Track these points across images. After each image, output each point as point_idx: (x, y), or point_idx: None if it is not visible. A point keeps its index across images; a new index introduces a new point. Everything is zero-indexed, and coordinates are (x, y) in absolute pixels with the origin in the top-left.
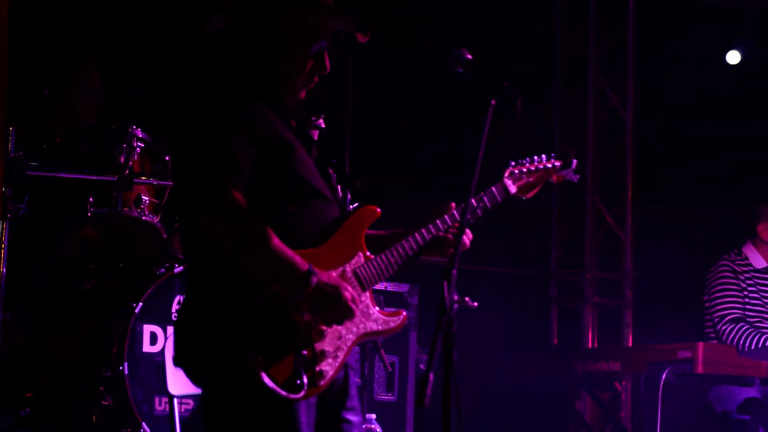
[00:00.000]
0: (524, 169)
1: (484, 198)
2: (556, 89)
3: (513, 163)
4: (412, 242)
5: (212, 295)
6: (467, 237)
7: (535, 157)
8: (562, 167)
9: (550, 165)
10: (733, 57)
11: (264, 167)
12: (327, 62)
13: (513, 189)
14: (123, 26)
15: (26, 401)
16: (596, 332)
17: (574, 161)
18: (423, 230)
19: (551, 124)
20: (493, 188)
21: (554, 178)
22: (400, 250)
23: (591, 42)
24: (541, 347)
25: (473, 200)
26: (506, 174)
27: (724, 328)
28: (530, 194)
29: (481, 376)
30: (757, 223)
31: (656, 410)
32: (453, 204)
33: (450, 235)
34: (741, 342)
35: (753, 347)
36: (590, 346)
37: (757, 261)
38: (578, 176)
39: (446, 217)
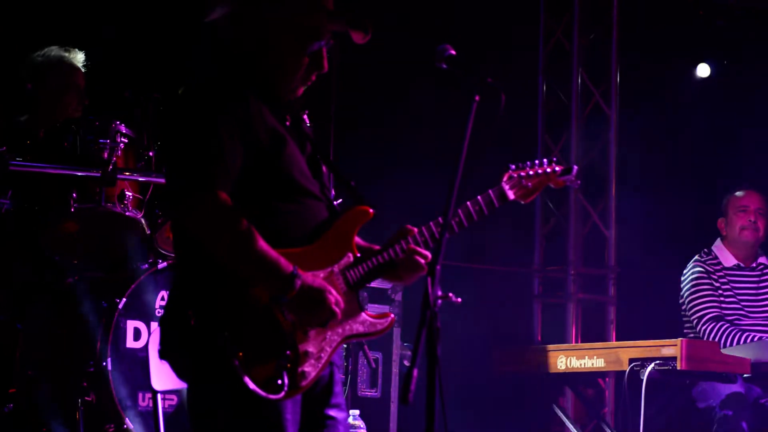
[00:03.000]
0: (523, 174)
1: (481, 201)
2: (540, 85)
3: (512, 167)
4: (391, 253)
5: (199, 293)
6: (424, 258)
7: (536, 162)
8: (562, 173)
9: (550, 170)
10: (703, 70)
11: (255, 165)
12: (325, 61)
13: (511, 195)
14: (107, 19)
15: (9, 397)
16: (580, 328)
17: (575, 167)
18: (396, 246)
19: (535, 119)
20: (491, 192)
21: (554, 183)
22: (385, 255)
23: (575, 37)
24: (525, 343)
25: (469, 203)
26: (505, 178)
27: (704, 327)
28: (528, 199)
29: (465, 372)
30: (719, 219)
31: (639, 406)
32: (412, 228)
33: (406, 259)
34: (723, 340)
35: (735, 345)
36: (573, 342)
37: (727, 259)
38: (579, 182)
39: (409, 239)
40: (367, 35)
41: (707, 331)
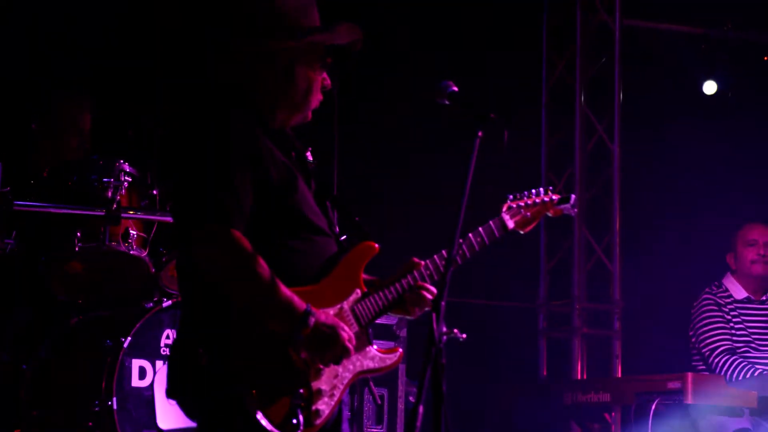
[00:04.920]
0: (522, 203)
1: (482, 233)
2: (543, 120)
3: (511, 197)
4: (398, 288)
5: (209, 330)
6: (431, 294)
7: (533, 191)
8: (559, 201)
9: (547, 199)
10: (710, 87)
11: (265, 202)
12: (328, 79)
13: (511, 224)
14: (112, 59)
15: None
16: (585, 363)
17: (573, 196)
18: (403, 281)
19: (538, 155)
20: (491, 223)
21: (552, 212)
22: (393, 291)
23: (577, 73)
24: (531, 378)
25: (471, 234)
26: (504, 209)
27: (717, 360)
28: (527, 228)
29: (471, 408)
30: (728, 254)
31: None
32: (419, 261)
33: (413, 294)
34: (735, 375)
35: (747, 379)
36: (579, 377)
37: (737, 292)
38: (576, 210)
39: (415, 273)
40: (359, 43)
41: (720, 364)
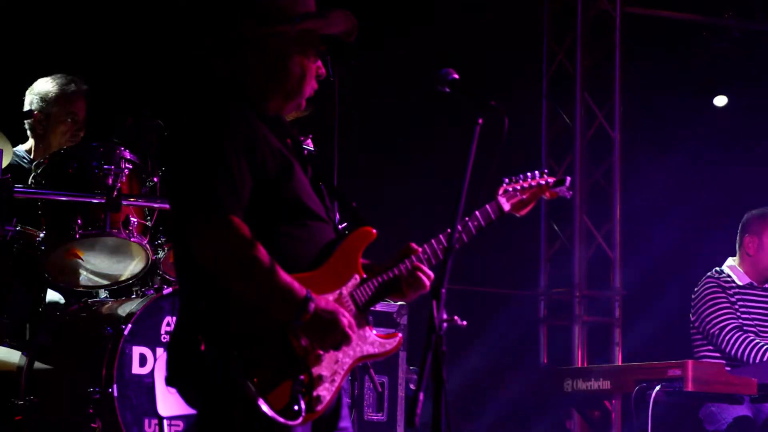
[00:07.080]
0: (518, 186)
1: (479, 216)
2: (544, 107)
3: (506, 180)
4: (396, 272)
5: (208, 317)
6: (428, 277)
7: (528, 174)
8: (555, 184)
9: (543, 181)
10: (720, 100)
11: (263, 189)
12: (322, 66)
13: (507, 207)
14: (110, 46)
15: (15, 425)
16: (585, 351)
17: (568, 178)
18: (401, 265)
19: (539, 142)
20: (488, 206)
21: (547, 194)
22: (391, 275)
23: (578, 60)
24: (531, 366)
25: (468, 219)
26: (500, 192)
27: (728, 337)
28: (524, 211)
29: (472, 396)
30: (744, 235)
31: (646, 429)
32: (415, 246)
33: (410, 276)
34: (747, 352)
35: (758, 359)
36: (580, 364)
37: (741, 277)
38: (571, 192)
39: (413, 257)
40: (355, 32)
41: (731, 341)
